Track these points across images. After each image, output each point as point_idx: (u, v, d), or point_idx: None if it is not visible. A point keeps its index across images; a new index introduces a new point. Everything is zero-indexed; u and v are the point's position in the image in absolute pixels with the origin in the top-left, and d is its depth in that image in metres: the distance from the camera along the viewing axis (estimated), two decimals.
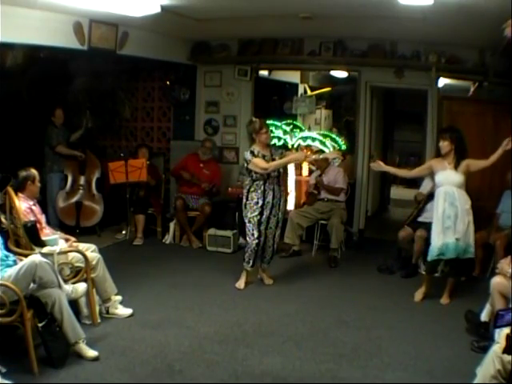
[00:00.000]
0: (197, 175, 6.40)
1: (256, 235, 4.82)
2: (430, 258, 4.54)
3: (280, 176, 4.89)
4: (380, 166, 4.88)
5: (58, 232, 4.28)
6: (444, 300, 4.59)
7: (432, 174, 4.62)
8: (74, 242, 4.13)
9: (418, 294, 4.66)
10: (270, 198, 4.81)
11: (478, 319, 3.81)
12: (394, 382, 3.23)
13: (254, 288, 4.93)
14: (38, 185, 4.13)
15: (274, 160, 4.81)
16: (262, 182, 4.78)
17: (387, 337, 3.87)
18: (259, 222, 4.81)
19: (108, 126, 7.69)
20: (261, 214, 4.80)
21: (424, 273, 4.86)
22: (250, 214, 4.82)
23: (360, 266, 5.75)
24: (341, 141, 6.95)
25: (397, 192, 10.69)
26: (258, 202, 4.79)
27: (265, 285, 5.03)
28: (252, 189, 4.82)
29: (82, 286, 3.67)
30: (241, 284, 4.91)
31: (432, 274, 4.70)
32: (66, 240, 4.11)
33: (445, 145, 4.47)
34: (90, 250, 4.08)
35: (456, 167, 4.45)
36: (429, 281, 4.68)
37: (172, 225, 6.48)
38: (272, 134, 6.80)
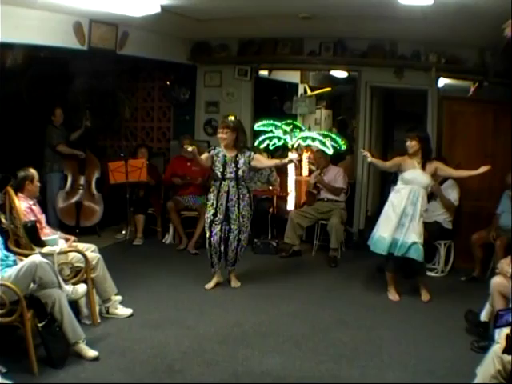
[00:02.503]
0: (188, 175, 6.38)
1: (207, 235, 4.84)
2: (380, 251, 4.59)
3: (239, 179, 4.76)
4: (370, 158, 4.72)
5: (58, 232, 4.27)
6: (424, 298, 4.63)
7: (401, 172, 4.62)
8: (74, 241, 4.12)
9: (391, 295, 4.69)
10: (223, 200, 4.75)
11: (477, 319, 3.81)
12: (394, 382, 3.23)
13: (254, 288, 4.92)
14: (37, 184, 4.12)
15: (237, 162, 4.72)
16: (218, 183, 4.78)
17: (387, 337, 3.86)
18: (211, 223, 4.80)
19: (108, 125, 7.68)
20: (214, 215, 4.78)
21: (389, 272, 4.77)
22: (207, 213, 4.85)
23: (360, 266, 5.75)
24: (341, 141, 6.94)
25: None
26: (212, 204, 4.80)
27: (263, 284, 5.03)
28: (211, 189, 4.85)
29: (82, 287, 3.66)
30: (209, 285, 4.87)
31: (392, 271, 4.68)
32: (66, 240, 4.11)
33: (412, 144, 4.53)
34: (90, 250, 4.07)
35: (423, 168, 4.51)
36: (392, 279, 4.70)
37: (172, 225, 6.48)
38: (272, 134, 6.83)
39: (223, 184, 4.76)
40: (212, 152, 4.80)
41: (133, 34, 5.84)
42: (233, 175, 4.74)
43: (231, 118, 4.92)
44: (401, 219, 4.51)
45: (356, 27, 5.68)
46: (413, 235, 4.47)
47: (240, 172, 4.75)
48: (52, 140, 6.35)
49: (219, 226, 4.80)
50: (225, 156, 4.75)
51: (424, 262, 4.61)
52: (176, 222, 6.27)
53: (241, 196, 4.79)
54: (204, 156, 4.78)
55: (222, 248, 4.85)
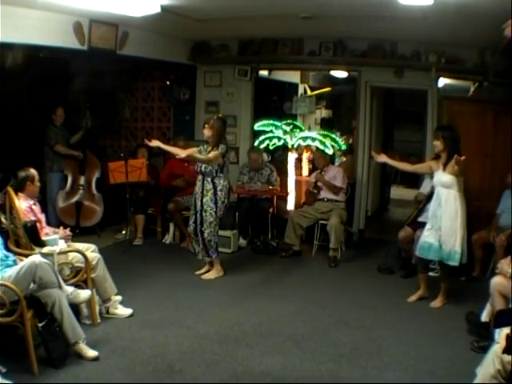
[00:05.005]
0: (187, 174, 6.37)
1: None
2: (416, 254, 4.60)
3: (203, 174, 5.00)
4: (383, 157, 4.88)
5: (58, 230, 4.25)
6: (434, 303, 4.51)
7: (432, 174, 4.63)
8: (69, 236, 4.11)
9: (413, 296, 4.66)
10: (194, 191, 5.13)
11: (478, 320, 3.81)
12: (394, 382, 3.23)
13: (254, 288, 4.93)
14: (37, 184, 4.12)
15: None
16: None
17: (387, 337, 3.87)
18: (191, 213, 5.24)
19: (108, 126, 7.68)
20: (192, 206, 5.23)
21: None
22: None
23: (360, 266, 5.75)
24: (340, 141, 6.95)
25: (397, 192, 10.69)
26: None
27: (264, 284, 5.04)
28: None
29: (85, 293, 3.63)
30: (199, 271, 5.26)
31: (422, 272, 4.68)
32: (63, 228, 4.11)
33: (437, 144, 4.46)
34: (90, 250, 4.07)
35: (445, 167, 4.42)
36: (423, 280, 4.68)
37: (172, 225, 6.48)
38: (272, 134, 6.84)
39: (198, 177, 5.11)
40: (200, 147, 5.16)
41: (133, 33, 5.84)
42: (198, 169, 5.06)
43: (218, 116, 5.18)
44: (431, 223, 4.46)
45: (356, 27, 5.67)
46: (442, 237, 4.37)
47: (202, 167, 4.98)
48: (50, 140, 6.35)
49: (193, 217, 5.12)
50: (206, 151, 5.06)
51: (450, 266, 4.43)
52: (179, 222, 6.28)
53: (204, 191, 5.00)
54: (191, 149, 5.19)
55: (200, 238, 5.09)
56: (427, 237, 4.46)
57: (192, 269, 5.37)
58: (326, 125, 8.41)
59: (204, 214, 5.00)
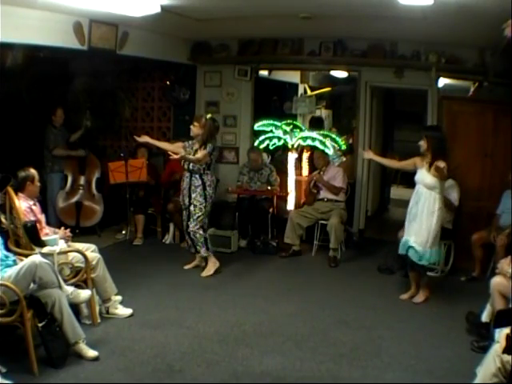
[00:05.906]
0: None
1: None
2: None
3: (190, 171, 5.10)
4: (369, 154, 5.00)
5: (58, 230, 4.25)
6: (416, 298, 4.58)
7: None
8: (69, 237, 4.11)
9: (405, 294, 4.71)
10: (182, 188, 5.22)
11: (478, 320, 3.81)
12: (394, 382, 3.23)
13: (254, 288, 4.93)
14: (37, 185, 4.12)
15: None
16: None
17: (387, 337, 3.87)
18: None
19: (108, 126, 7.68)
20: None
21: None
22: None
23: (360, 266, 5.75)
24: (341, 141, 6.94)
25: (397, 192, 10.68)
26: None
27: (264, 284, 5.05)
28: None
29: (85, 293, 3.63)
30: (187, 266, 5.41)
31: (410, 271, 4.71)
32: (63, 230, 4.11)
33: (421, 143, 4.46)
34: (90, 250, 4.07)
35: (430, 167, 4.40)
36: (413, 278, 4.70)
37: (172, 225, 6.48)
38: (272, 134, 6.84)
39: (185, 174, 5.20)
40: (185, 143, 5.24)
41: (133, 33, 5.84)
42: (186, 166, 5.13)
43: (209, 115, 5.28)
44: (408, 219, 4.53)
45: (356, 27, 5.67)
46: (413, 236, 4.44)
47: (190, 165, 5.10)
48: (49, 143, 6.35)
49: (184, 212, 5.24)
50: (192, 148, 5.16)
51: (424, 265, 4.48)
52: (178, 222, 6.28)
53: (192, 187, 5.10)
54: (176, 144, 5.36)
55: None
56: (403, 232, 4.57)
57: (192, 269, 5.38)
58: (316, 124, 8.32)
59: (192, 210, 5.10)
